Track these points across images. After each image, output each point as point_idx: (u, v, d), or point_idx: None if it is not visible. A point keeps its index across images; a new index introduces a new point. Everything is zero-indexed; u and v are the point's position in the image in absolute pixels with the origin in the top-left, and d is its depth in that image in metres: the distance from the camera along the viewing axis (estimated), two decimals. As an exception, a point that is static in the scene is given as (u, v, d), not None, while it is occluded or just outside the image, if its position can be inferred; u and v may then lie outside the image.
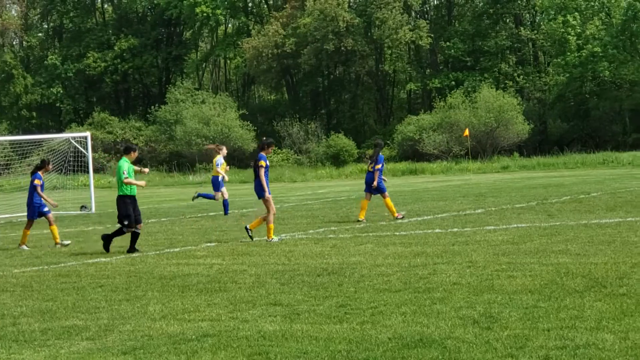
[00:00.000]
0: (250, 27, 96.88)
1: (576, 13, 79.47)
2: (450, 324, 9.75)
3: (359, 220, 23.94)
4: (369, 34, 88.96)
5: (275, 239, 19.87)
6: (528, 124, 74.86)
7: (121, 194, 19.27)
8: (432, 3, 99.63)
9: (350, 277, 13.67)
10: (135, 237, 19.05)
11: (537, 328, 9.32)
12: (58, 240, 21.20)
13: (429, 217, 24.43)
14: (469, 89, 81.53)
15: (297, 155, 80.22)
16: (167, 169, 78.55)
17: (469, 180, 41.96)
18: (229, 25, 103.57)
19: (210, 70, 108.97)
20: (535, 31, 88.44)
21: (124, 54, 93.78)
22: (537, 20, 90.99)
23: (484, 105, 73.66)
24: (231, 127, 79.98)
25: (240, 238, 20.48)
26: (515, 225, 20.36)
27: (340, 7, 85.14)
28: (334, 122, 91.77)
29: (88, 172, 37.26)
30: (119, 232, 19.41)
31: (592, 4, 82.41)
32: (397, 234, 20.07)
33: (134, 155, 19.89)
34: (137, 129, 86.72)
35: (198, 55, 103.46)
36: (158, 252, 18.73)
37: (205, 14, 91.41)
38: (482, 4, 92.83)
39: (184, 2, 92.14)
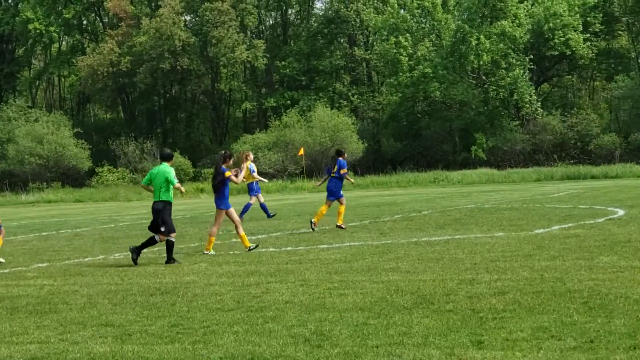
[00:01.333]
0: (85, 45, 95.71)
1: (408, 34, 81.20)
2: (282, 342, 9.83)
3: (312, 222, 24.86)
4: (205, 53, 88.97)
5: (212, 252, 20.10)
6: (362, 143, 76.07)
7: (168, 200, 19.14)
8: (267, 23, 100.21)
9: (183, 296, 13.64)
10: (171, 246, 18.85)
11: (366, 345, 9.48)
12: None
13: (263, 235, 24.55)
14: (304, 108, 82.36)
15: (133, 174, 79.44)
16: (-3, 188, 76.73)
17: (304, 199, 42.30)
18: (63, 42, 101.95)
19: (44, 88, 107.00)
20: (369, 51, 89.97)
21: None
22: (370, 41, 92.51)
23: (319, 124, 74.50)
24: (65, 146, 78.80)
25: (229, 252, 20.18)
26: (348, 244, 20.65)
27: (176, 26, 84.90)
28: (169, 141, 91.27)
29: None
30: (151, 242, 19.16)
31: (423, 25, 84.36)
32: (232, 253, 20.11)
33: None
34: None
35: (31, 73, 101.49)
36: (-14, 274, 18.27)
37: (38, 31, 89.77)
38: (316, 24, 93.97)
39: (17, 18, 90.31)
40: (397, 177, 68.67)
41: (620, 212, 26.02)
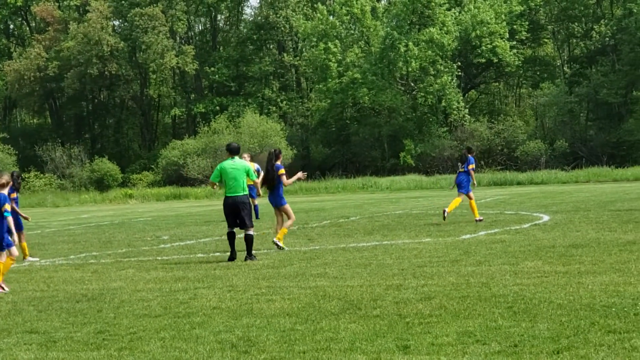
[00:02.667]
0: (12, 50, 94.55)
1: (337, 41, 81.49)
2: (209, 348, 9.81)
3: (477, 220, 26.19)
4: (134, 58, 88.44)
5: (285, 248, 20.50)
6: (291, 149, 76.12)
7: (247, 194, 19.10)
8: (197, 29, 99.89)
9: (110, 302, 13.54)
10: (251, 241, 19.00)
11: (293, 350, 9.50)
12: None
13: (191, 241, 24.47)
14: (233, 114, 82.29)
15: (60, 179, 78.70)
16: None
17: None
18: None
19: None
20: (298, 58, 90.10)
21: None
22: (299, 47, 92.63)
23: (247, 130, 74.49)
24: (-9, 152, 77.81)
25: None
26: (276, 250, 20.64)
27: (104, 31, 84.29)
28: (98, 147, 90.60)
29: None
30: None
31: (352, 32, 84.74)
32: (159, 258, 20.01)
33: None
34: None
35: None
36: None
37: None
38: (246, 30, 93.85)
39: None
40: (326, 183, 68.83)
41: (545, 218, 26.35)
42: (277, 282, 14.91)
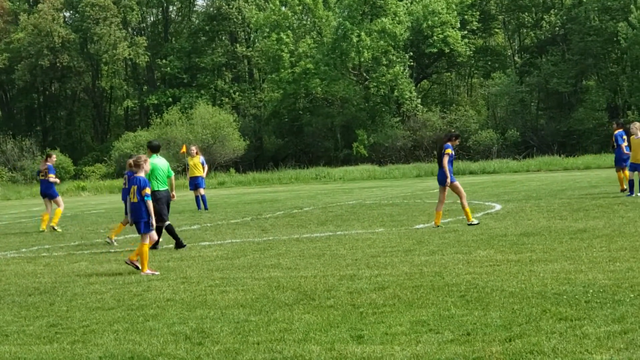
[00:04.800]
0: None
1: (289, 31, 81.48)
2: (163, 340, 9.79)
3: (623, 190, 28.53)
4: (85, 49, 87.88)
5: (475, 221, 21.07)
6: (244, 140, 76.06)
7: (168, 189, 20.09)
8: (149, 20, 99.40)
9: (62, 296, 13.46)
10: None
11: (247, 342, 9.50)
12: None
13: (145, 234, 24.36)
14: (186, 106, 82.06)
15: (12, 172, 77.99)
16: None
17: (185, 197, 42.06)
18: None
19: None
20: (251, 48, 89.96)
21: None
22: (252, 38, 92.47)
23: (200, 121, 74.28)
24: (-62, 144, 76.98)
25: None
26: (230, 241, 20.64)
27: (55, 22, 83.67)
28: (50, 139, 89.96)
29: None
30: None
31: (305, 22, 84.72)
32: (112, 251, 19.92)
33: None
34: None
35: None
36: None
37: None
38: (198, 21, 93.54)
39: None
40: (279, 174, 68.77)
41: (497, 207, 26.53)
42: (230, 274, 14.90)
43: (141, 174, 16.07)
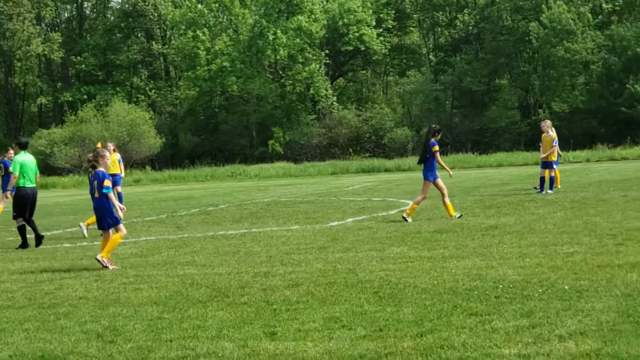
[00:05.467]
0: None
1: (205, 29, 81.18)
2: (74, 339, 9.70)
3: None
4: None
5: (457, 214, 21.21)
6: (160, 138, 75.60)
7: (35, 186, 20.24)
8: (63, 16, 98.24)
9: (-28, 295, 13.27)
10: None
11: (160, 339, 9.47)
12: None
13: (58, 231, 24.15)
14: (101, 103, 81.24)
15: None
16: None
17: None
18: None
19: None
20: (167, 46, 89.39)
21: None
22: (168, 35, 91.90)
23: (116, 119, 73.66)
24: None
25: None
26: (145, 238, 20.55)
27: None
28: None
29: None
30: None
31: (221, 20, 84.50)
32: (24, 250, 19.68)
33: None
34: None
35: None
36: None
37: None
38: (113, 17, 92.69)
39: None
40: (195, 171, 68.47)
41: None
42: (145, 271, 14.83)
43: (101, 168, 15.94)
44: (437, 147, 21.55)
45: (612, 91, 71.42)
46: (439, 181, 21.59)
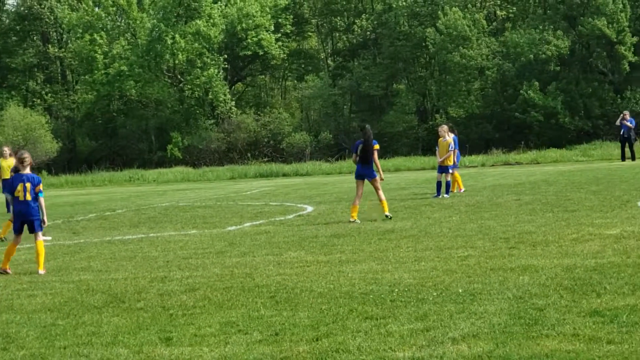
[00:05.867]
0: None
1: (103, 32, 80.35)
2: (-36, 347, 9.58)
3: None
4: None
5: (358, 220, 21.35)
6: (57, 142, 74.62)
7: None
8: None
9: None
10: None
11: (54, 346, 9.39)
12: None
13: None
14: (-4, 107, 79.81)
15: None
16: None
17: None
18: None
19: None
20: (63, 49, 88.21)
21: None
22: (64, 39, 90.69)
23: (10, 123, 72.49)
24: None
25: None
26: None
27: None
28: None
29: None
30: None
31: (119, 24, 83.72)
32: None
33: None
34: None
35: None
36: None
37: None
38: (8, 20, 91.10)
39: None
40: (93, 176, 67.69)
41: (309, 209, 26.87)
42: (39, 277, 14.68)
43: (27, 171, 15.77)
44: (377, 146, 22.57)
45: (507, 97, 72.58)
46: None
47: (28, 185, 15.65)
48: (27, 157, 16.01)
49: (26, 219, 15.78)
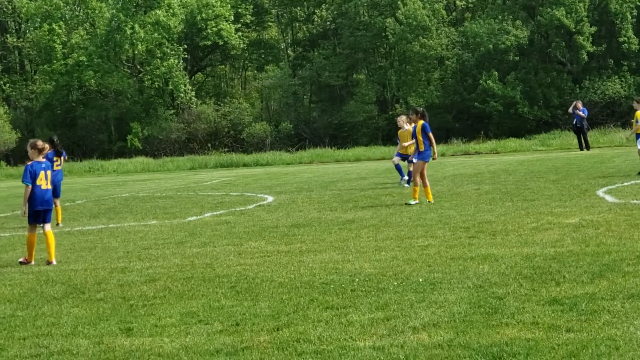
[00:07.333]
0: None
1: (61, 22, 79.80)
2: None
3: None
4: None
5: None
6: (15, 133, 74.11)
7: None
8: None
9: None
10: None
11: (13, 337, 9.34)
12: None
13: None
14: (-47, 97, 79.10)
15: None
16: None
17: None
18: None
19: None
20: (22, 39, 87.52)
21: None
22: (22, 28, 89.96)
23: (-33, 113, 71.86)
24: None
25: None
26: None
27: None
28: None
29: None
30: None
31: (77, 13, 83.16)
32: None
33: None
34: None
35: None
36: None
37: None
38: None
39: None
40: (51, 167, 67.29)
41: (270, 199, 26.85)
42: (-1, 269, 14.59)
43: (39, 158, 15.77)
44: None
45: (466, 87, 72.88)
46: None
47: (49, 173, 15.64)
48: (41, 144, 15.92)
49: (50, 205, 15.78)
